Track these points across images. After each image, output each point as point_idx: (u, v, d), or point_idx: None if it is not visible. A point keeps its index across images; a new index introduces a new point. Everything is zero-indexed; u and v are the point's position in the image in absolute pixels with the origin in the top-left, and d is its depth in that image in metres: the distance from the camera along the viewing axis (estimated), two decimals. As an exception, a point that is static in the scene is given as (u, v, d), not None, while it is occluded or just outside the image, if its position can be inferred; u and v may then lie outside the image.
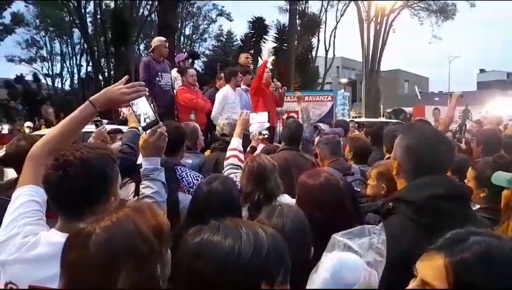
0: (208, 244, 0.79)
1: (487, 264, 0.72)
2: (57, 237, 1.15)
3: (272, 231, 0.87)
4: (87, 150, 1.21)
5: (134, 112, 1.58)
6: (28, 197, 1.25)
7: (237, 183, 2.14)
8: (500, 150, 3.13)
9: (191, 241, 0.83)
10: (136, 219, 0.91)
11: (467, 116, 8.56)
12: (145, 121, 1.57)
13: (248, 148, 3.19)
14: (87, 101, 1.41)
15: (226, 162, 2.61)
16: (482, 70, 50.48)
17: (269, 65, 6.81)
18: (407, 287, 0.82)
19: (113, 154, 1.29)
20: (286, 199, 2.15)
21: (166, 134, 1.61)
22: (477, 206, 2.11)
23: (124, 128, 3.09)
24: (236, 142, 2.70)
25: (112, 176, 1.23)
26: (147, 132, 1.58)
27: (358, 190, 2.48)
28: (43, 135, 1.53)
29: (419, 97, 24.77)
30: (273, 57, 20.02)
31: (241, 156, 2.64)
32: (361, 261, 1.01)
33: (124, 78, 1.54)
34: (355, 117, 14.46)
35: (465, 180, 2.21)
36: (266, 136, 3.58)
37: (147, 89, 1.53)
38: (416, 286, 0.80)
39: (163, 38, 5.53)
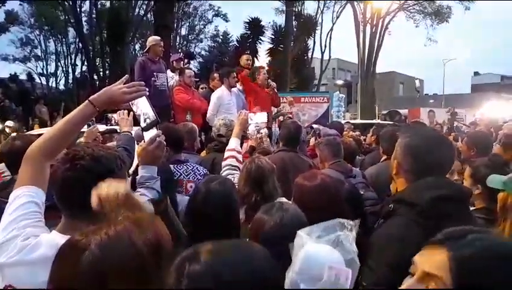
0: None
1: (490, 260, 0.74)
2: (58, 239, 1.13)
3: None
4: (98, 148, 1.23)
5: (134, 112, 1.57)
6: (26, 199, 1.22)
7: (235, 184, 2.13)
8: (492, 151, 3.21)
9: None
10: (134, 236, 0.86)
11: (455, 119, 8.69)
12: (145, 121, 1.56)
13: (247, 148, 3.18)
14: (87, 101, 1.39)
15: (223, 163, 2.59)
16: (476, 73, 50.88)
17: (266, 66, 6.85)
18: (407, 283, 0.82)
19: (123, 157, 1.28)
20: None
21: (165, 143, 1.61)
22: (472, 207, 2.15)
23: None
24: (234, 143, 2.68)
25: (119, 176, 1.22)
26: (146, 140, 1.57)
27: (362, 192, 2.47)
28: (38, 134, 1.50)
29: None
30: (268, 58, 20.03)
31: (240, 156, 2.62)
32: (330, 256, 0.97)
33: (124, 77, 1.52)
34: (350, 119, 14.51)
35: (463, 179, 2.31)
36: (264, 134, 3.59)
37: (147, 89, 1.52)
38: (418, 278, 0.79)
39: (158, 38, 5.49)
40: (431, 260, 0.78)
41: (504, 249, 0.76)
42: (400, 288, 0.83)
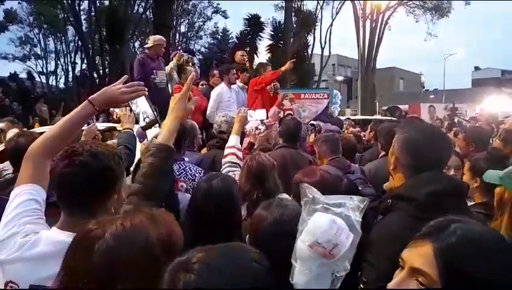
0: None
1: (472, 246, 0.76)
2: (58, 236, 1.15)
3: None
4: (96, 145, 1.24)
5: (133, 111, 1.59)
6: (27, 196, 1.24)
7: (236, 181, 2.14)
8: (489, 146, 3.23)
9: None
10: (149, 231, 0.88)
11: (455, 114, 8.68)
12: (144, 120, 1.58)
13: (246, 144, 3.20)
14: (86, 100, 1.41)
15: (224, 160, 2.60)
16: (476, 68, 50.72)
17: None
18: (396, 278, 0.83)
19: (121, 153, 1.30)
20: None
21: None
22: (472, 202, 2.17)
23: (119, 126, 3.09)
24: (234, 140, 2.69)
25: (117, 172, 1.24)
26: (148, 138, 1.59)
27: (360, 188, 2.48)
28: (41, 132, 1.52)
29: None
30: (268, 55, 19.93)
31: (240, 153, 2.63)
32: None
33: (123, 77, 1.53)
34: (351, 115, 14.53)
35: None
36: (263, 131, 3.61)
37: (146, 89, 1.54)
38: (406, 274, 0.81)
39: (164, 39, 5.47)
40: (417, 255, 0.80)
41: (484, 236, 0.79)
42: (389, 284, 0.84)
